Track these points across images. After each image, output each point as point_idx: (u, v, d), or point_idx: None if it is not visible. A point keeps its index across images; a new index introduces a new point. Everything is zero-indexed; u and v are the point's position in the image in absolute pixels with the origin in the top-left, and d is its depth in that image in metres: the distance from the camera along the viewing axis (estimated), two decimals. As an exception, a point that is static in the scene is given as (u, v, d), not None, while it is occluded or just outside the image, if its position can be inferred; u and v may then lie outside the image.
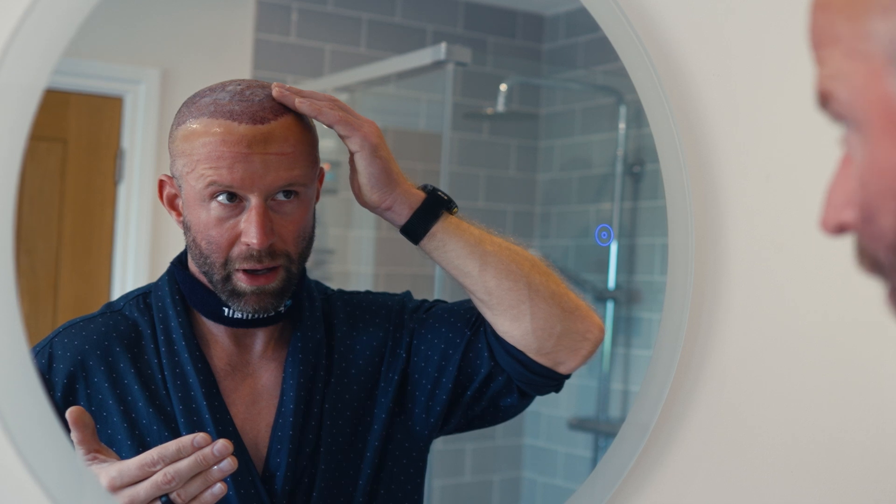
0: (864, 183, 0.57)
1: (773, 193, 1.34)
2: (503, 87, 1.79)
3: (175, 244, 1.46)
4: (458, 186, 1.73)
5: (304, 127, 1.07)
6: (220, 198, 1.03)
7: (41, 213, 1.32)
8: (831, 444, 1.38)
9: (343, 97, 1.74)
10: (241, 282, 1.06)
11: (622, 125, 1.89)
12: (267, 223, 1.04)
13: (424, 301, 1.24)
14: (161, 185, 1.10)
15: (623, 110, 1.88)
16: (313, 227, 1.12)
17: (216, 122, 1.03)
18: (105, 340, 1.09)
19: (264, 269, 1.06)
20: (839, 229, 0.61)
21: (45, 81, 0.91)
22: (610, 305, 1.88)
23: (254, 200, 1.03)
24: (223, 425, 1.08)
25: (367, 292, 1.26)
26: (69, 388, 1.06)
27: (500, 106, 1.78)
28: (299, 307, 1.16)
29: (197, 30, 1.48)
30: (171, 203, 1.10)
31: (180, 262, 1.14)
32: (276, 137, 1.03)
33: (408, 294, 1.25)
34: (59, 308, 1.35)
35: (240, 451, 1.08)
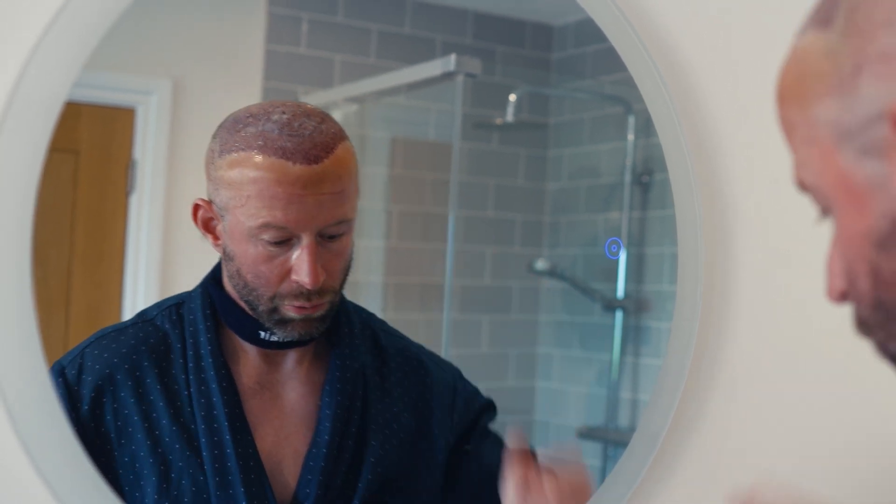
0: (843, 252, 0.61)
1: (782, 201, 1.34)
2: (512, 97, 1.79)
3: (186, 255, 1.46)
4: (467, 196, 1.74)
5: (351, 160, 1.06)
6: (272, 235, 1.03)
7: (53, 224, 1.33)
8: (842, 453, 1.38)
9: (353, 108, 1.75)
10: (290, 312, 1.06)
11: (631, 135, 1.89)
12: (318, 262, 1.04)
13: (478, 399, 1.23)
14: (196, 208, 1.09)
15: (632, 120, 1.88)
16: (352, 253, 1.12)
17: (268, 162, 1.01)
18: (134, 354, 1.09)
19: (312, 305, 1.06)
20: (842, 297, 0.65)
21: (64, 95, 0.91)
22: (619, 314, 1.88)
23: (305, 239, 1.03)
24: (243, 447, 1.07)
25: (420, 348, 1.24)
26: (96, 401, 1.06)
27: (510, 116, 1.79)
28: (336, 330, 1.15)
29: (208, 41, 1.49)
30: (207, 226, 1.09)
31: (215, 279, 1.14)
32: (328, 177, 1.02)
33: (460, 381, 1.24)
34: (70, 318, 1.35)
35: (258, 473, 1.07)
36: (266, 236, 1.03)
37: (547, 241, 1.88)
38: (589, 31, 1.83)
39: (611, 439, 1.85)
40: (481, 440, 1.22)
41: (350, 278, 1.75)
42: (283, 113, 1.04)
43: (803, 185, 0.63)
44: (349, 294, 1.64)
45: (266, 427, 1.11)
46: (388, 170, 1.74)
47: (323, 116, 1.06)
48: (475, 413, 1.22)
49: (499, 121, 1.80)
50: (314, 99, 1.66)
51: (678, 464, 1.31)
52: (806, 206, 1.38)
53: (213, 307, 1.12)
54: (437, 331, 1.67)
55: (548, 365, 1.86)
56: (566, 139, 1.92)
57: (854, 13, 0.57)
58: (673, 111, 1.27)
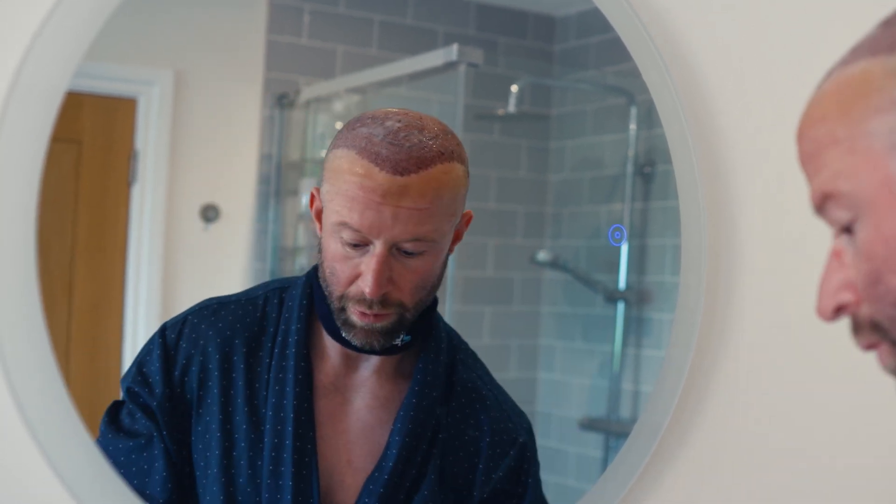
0: (871, 255, 0.66)
1: (787, 192, 1.34)
2: (514, 88, 1.79)
3: (187, 245, 1.46)
4: (469, 187, 1.74)
5: (449, 181, 1.05)
6: (348, 236, 1.03)
7: (56, 214, 1.33)
8: (846, 445, 1.38)
9: (355, 98, 1.74)
10: (354, 316, 1.07)
11: (633, 126, 1.89)
12: (384, 273, 1.03)
13: (533, 469, 1.22)
14: (312, 197, 1.11)
15: (634, 111, 1.88)
16: (440, 276, 1.11)
17: (361, 163, 1.02)
18: (229, 330, 1.12)
19: (374, 313, 1.06)
20: (837, 312, 0.71)
21: (65, 85, 0.91)
22: (621, 306, 1.88)
23: (378, 248, 1.03)
24: (302, 442, 1.09)
25: (493, 388, 1.23)
26: (186, 369, 1.10)
27: (512, 107, 1.78)
28: (424, 353, 1.15)
29: (210, 31, 1.49)
30: (317, 215, 1.10)
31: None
32: (411, 192, 1.01)
33: (524, 435, 1.22)
34: (73, 308, 1.36)
35: (308, 471, 1.09)
36: (343, 235, 1.03)
37: (549, 232, 1.88)
38: (591, 22, 1.83)
39: (612, 430, 1.85)
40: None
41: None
42: (399, 121, 1.04)
43: (830, 198, 0.68)
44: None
45: (328, 430, 1.12)
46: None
47: (438, 133, 1.05)
48: (519, 476, 1.20)
49: (501, 112, 1.80)
50: (315, 90, 1.65)
51: (679, 455, 1.31)
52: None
53: (312, 298, 1.13)
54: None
55: (550, 356, 1.86)
56: (568, 130, 1.92)
57: None
58: (678, 101, 1.26)
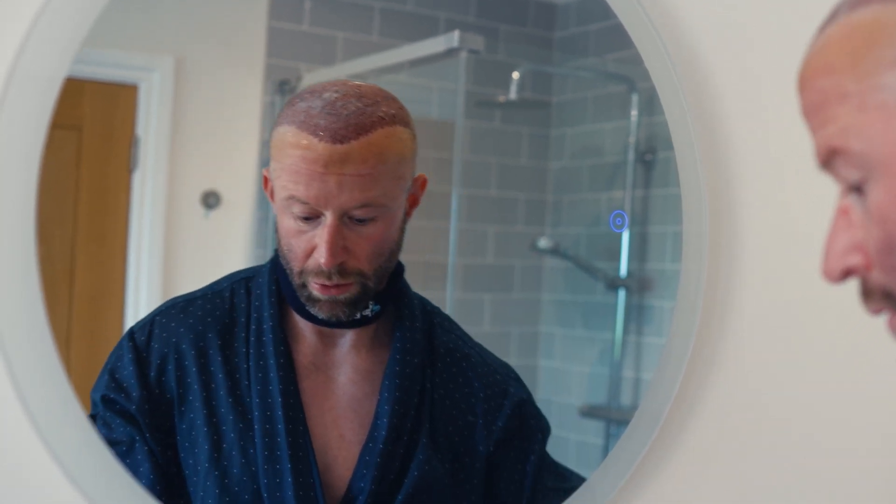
0: (884, 219, 0.62)
1: (788, 179, 1.34)
2: (515, 75, 1.78)
3: (189, 233, 1.46)
4: (470, 174, 1.73)
5: (391, 145, 1.06)
6: (298, 209, 1.04)
7: (56, 202, 1.32)
8: (848, 433, 1.38)
9: (356, 85, 1.74)
10: (315, 289, 1.08)
11: (634, 113, 1.88)
12: (337, 242, 1.04)
13: (534, 414, 1.23)
14: (265, 179, 1.11)
15: (635, 98, 1.87)
16: (397, 241, 1.12)
17: (301, 136, 1.03)
18: (200, 325, 1.12)
19: (333, 284, 1.07)
20: (844, 274, 0.66)
21: (65, 71, 0.91)
22: (622, 293, 1.88)
23: (328, 217, 1.04)
24: (294, 424, 1.09)
25: (474, 346, 1.24)
26: (162, 369, 1.10)
27: (513, 94, 1.78)
28: (399, 321, 1.16)
29: (211, 17, 1.48)
30: (272, 195, 1.11)
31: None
32: (353, 158, 1.02)
33: (514, 385, 1.23)
34: (74, 296, 1.35)
35: (305, 451, 1.09)
36: (294, 209, 1.05)
37: (550, 219, 1.88)
38: (592, 9, 1.82)
39: (613, 418, 1.85)
40: (524, 460, 1.21)
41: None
42: (336, 92, 1.05)
43: (838, 153, 0.64)
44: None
45: (316, 408, 1.12)
46: (390, 148, 1.73)
47: (377, 99, 1.06)
48: (524, 431, 1.21)
49: (502, 99, 1.79)
50: (316, 76, 1.65)
51: (680, 443, 1.31)
52: (812, 183, 1.38)
53: (279, 283, 1.14)
54: (440, 307, 1.66)
55: (550, 344, 1.86)
56: (569, 117, 1.91)
57: None
58: (679, 88, 1.26)
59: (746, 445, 1.36)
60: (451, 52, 1.64)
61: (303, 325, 1.14)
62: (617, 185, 1.90)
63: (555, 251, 1.86)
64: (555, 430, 1.85)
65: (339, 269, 1.06)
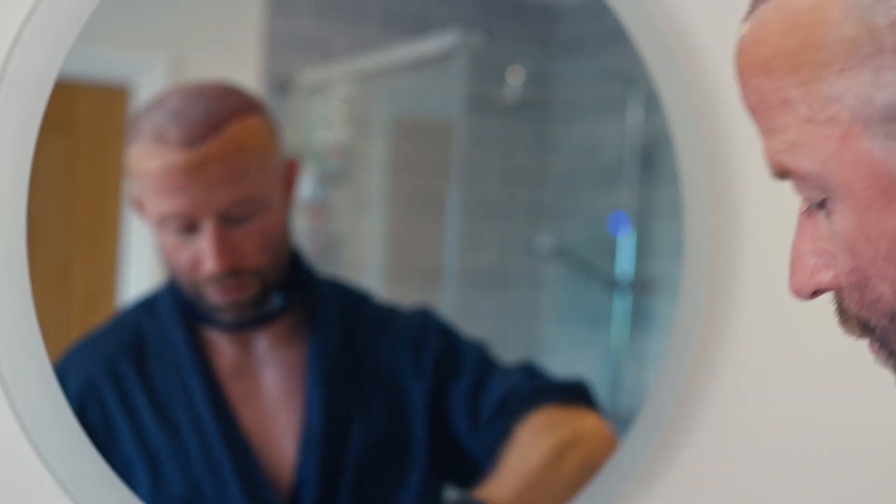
0: (853, 250, 0.53)
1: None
2: (515, 74, 1.77)
3: (184, 233, 1.45)
4: (469, 174, 1.72)
5: (249, 135, 1.04)
6: (174, 224, 1.02)
7: (50, 204, 1.31)
8: (851, 436, 1.37)
9: (353, 85, 1.73)
10: (214, 297, 1.05)
11: (634, 112, 1.87)
12: (222, 246, 1.02)
13: (447, 336, 1.20)
14: (134, 202, 1.09)
15: (636, 97, 1.86)
16: (284, 230, 1.09)
17: (155, 150, 1.01)
18: (111, 358, 1.09)
19: (231, 287, 1.05)
20: (815, 294, 0.58)
21: (56, 69, 0.90)
22: (622, 294, 1.87)
23: (206, 224, 1.01)
24: (228, 430, 1.07)
25: (382, 308, 1.22)
26: (81, 411, 1.05)
27: (512, 93, 1.77)
28: (312, 309, 1.13)
29: (207, 16, 1.47)
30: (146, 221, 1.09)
31: None
32: (213, 156, 1.01)
33: (428, 319, 1.21)
34: (71, 297, 1.34)
35: (245, 455, 1.07)
36: (170, 226, 1.02)
37: (549, 219, 1.87)
38: (593, 9, 1.81)
39: (613, 420, 1.84)
40: (476, 371, 1.18)
41: (351, 257, 1.74)
42: (178, 99, 1.04)
43: (789, 173, 0.55)
44: (350, 273, 1.62)
45: (250, 410, 1.10)
46: (388, 148, 1.73)
47: (223, 94, 1.04)
48: (447, 346, 1.19)
49: (502, 98, 1.78)
50: (314, 76, 1.64)
51: (683, 446, 1.30)
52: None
53: (180, 298, 1.12)
54: (438, 309, 1.65)
55: (550, 345, 1.85)
56: (570, 117, 1.90)
57: None
58: (681, 87, 1.25)
59: (750, 449, 1.35)
60: (450, 52, 1.63)
61: (216, 335, 1.11)
62: (617, 185, 1.89)
63: (555, 252, 1.85)
64: (555, 433, 1.85)
65: (232, 271, 1.03)
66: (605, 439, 1.22)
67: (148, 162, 1.01)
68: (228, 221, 1.02)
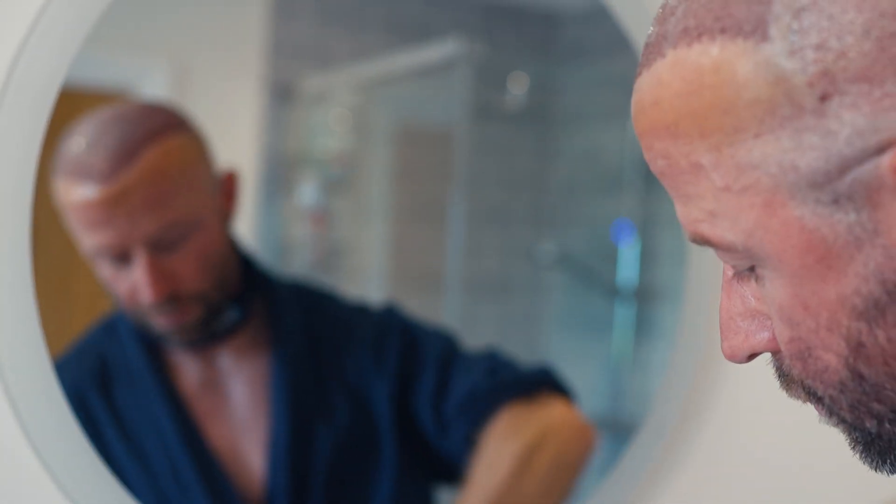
0: (791, 321, 0.49)
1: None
2: (517, 82, 1.78)
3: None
4: (471, 181, 1.73)
5: (169, 157, 0.99)
6: (105, 257, 0.98)
7: (52, 211, 1.31)
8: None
9: (356, 92, 1.73)
10: (161, 326, 1.01)
11: (636, 120, 1.88)
12: (156, 275, 0.97)
13: (409, 330, 1.16)
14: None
15: (637, 105, 1.87)
16: (224, 247, 1.05)
17: (70, 188, 0.96)
18: (79, 388, 1.04)
19: (173, 313, 1.00)
20: (752, 357, 0.54)
21: (61, 78, 0.90)
22: (624, 302, 1.87)
23: (137, 255, 0.97)
24: (194, 448, 1.04)
25: (346, 307, 1.19)
26: None
27: (514, 101, 1.78)
28: (273, 319, 1.11)
29: (211, 22, 1.47)
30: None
31: None
32: (131, 189, 0.96)
33: (391, 318, 1.17)
34: (74, 305, 1.34)
35: (215, 472, 1.05)
36: (103, 259, 0.98)
37: (552, 227, 1.87)
38: (595, 16, 1.81)
39: (616, 428, 1.84)
40: (439, 369, 1.14)
41: (353, 264, 1.74)
42: (94, 129, 0.98)
43: (710, 243, 0.50)
44: (352, 280, 1.63)
45: (218, 426, 1.07)
46: (391, 155, 1.73)
47: (138, 117, 0.99)
48: (409, 344, 1.15)
49: (504, 106, 1.79)
50: (316, 83, 1.64)
51: (687, 454, 1.30)
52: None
53: None
54: (440, 317, 1.66)
55: (552, 353, 1.85)
56: (571, 125, 1.91)
57: (806, 24, 0.44)
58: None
59: (754, 457, 1.35)
60: (452, 60, 1.63)
61: (178, 354, 1.07)
62: (620, 193, 1.89)
63: (557, 259, 1.85)
64: (557, 441, 1.85)
65: (170, 297, 0.99)
66: (574, 428, 1.18)
67: (68, 197, 0.96)
68: (160, 248, 0.98)
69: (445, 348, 1.16)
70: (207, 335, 1.04)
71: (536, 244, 1.84)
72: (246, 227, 1.54)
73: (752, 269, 0.50)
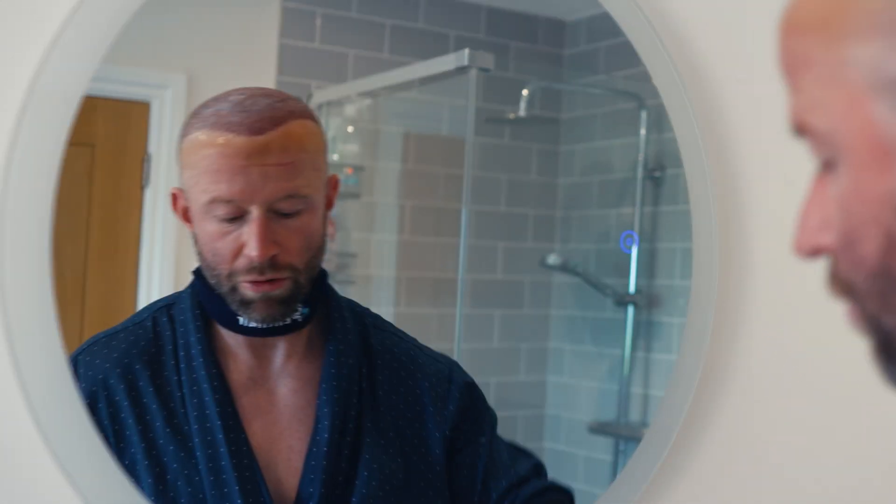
0: (848, 210, 0.57)
1: (798, 195, 1.34)
2: (525, 92, 1.79)
3: (200, 248, 1.46)
4: (479, 191, 1.74)
5: (307, 135, 1.07)
6: (222, 210, 1.03)
7: (69, 217, 1.33)
8: (859, 450, 1.38)
9: (366, 102, 1.75)
10: (247, 290, 1.06)
11: (643, 130, 1.89)
12: (267, 235, 1.04)
13: (475, 401, 1.22)
14: (174, 198, 1.11)
15: (644, 115, 1.88)
16: (323, 236, 1.11)
17: (216, 135, 1.03)
18: (126, 358, 1.09)
19: (266, 279, 1.05)
20: (814, 252, 0.61)
21: (83, 89, 0.92)
22: (630, 309, 1.88)
23: (254, 212, 1.03)
24: (236, 444, 1.07)
25: (411, 342, 1.23)
26: (92, 408, 1.06)
27: (522, 111, 1.78)
28: (329, 325, 1.14)
29: (222, 35, 1.49)
30: (185, 215, 1.10)
31: (200, 271, 1.14)
32: (274, 148, 1.03)
33: (457, 370, 1.22)
34: (86, 311, 1.36)
35: (251, 470, 1.07)
36: (217, 212, 1.04)
37: (559, 235, 1.88)
38: (602, 26, 1.82)
39: (622, 434, 1.85)
40: (476, 445, 1.20)
41: (363, 272, 1.76)
42: (241, 94, 1.06)
43: (807, 130, 0.58)
44: (361, 288, 1.64)
45: (259, 423, 1.10)
46: (400, 164, 1.74)
47: (285, 97, 1.07)
48: (471, 403, 1.20)
49: (511, 115, 1.80)
50: (327, 93, 1.65)
51: (691, 460, 1.31)
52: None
53: (201, 304, 1.13)
54: (449, 325, 1.67)
55: (559, 359, 1.86)
56: (578, 134, 1.92)
57: None
58: (688, 105, 1.26)
59: (758, 463, 1.36)
60: (461, 70, 1.64)
61: (234, 343, 1.12)
62: (626, 202, 1.90)
63: (564, 267, 1.86)
64: (563, 447, 1.85)
65: (271, 262, 1.05)
66: None
67: (206, 147, 1.03)
68: (275, 214, 1.04)
69: (495, 425, 1.23)
70: (282, 316, 1.08)
71: (544, 251, 1.85)
72: (258, 236, 1.56)
73: (831, 167, 0.58)
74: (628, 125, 1.92)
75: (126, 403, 1.07)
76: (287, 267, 1.06)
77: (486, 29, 1.77)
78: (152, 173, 1.39)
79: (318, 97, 1.63)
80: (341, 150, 1.72)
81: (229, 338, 1.12)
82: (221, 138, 1.02)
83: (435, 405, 1.18)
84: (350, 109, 1.74)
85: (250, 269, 1.05)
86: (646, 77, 1.29)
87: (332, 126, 1.72)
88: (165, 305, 1.15)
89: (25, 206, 0.93)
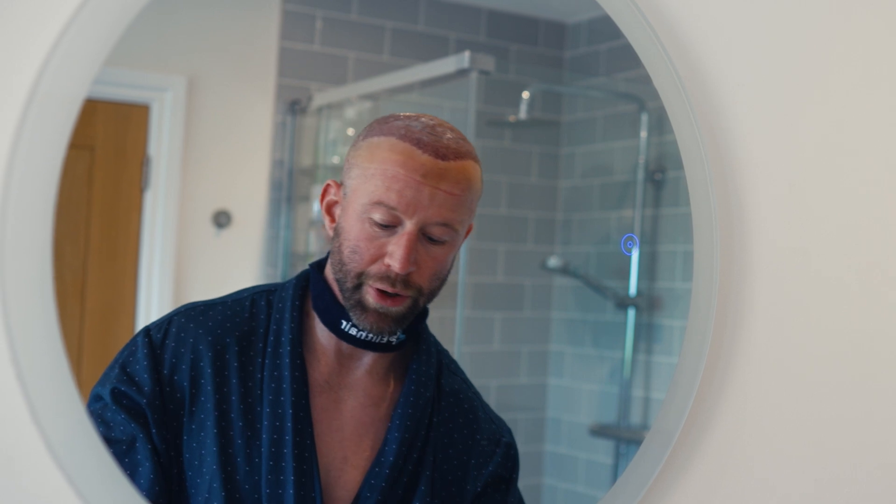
0: None
1: (799, 199, 1.34)
2: (525, 94, 1.79)
3: (199, 251, 1.47)
4: (481, 193, 1.74)
5: (476, 179, 1.12)
6: (380, 215, 1.07)
7: (69, 220, 1.33)
8: (859, 454, 1.38)
9: (367, 105, 1.75)
10: (370, 296, 1.09)
11: (644, 132, 1.89)
12: (413, 251, 1.07)
13: (513, 478, 1.25)
14: (326, 189, 1.15)
15: (644, 118, 1.88)
16: (449, 271, 1.15)
17: (402, 145, 1.08)
18: (219, 329, 1.13)
19: (394, 293, 1.09)
20: None
21: (84, 92, 0.92)
22: (631, 312, 1.88)
23: (408, 226, 1.07)
24: (301, 438, 1.10)
25: (475, 394, 1.26)
26: (176, 367, 1.10)
27: (523, 113, 1.79)
28: (416, 354, 1.18)
29: (222, 38, 1.49)
30: (329, 209, 1.14)
31: (319, 265, 1.17)
32: (450, 176, 1.08)
33: (506, 435, 1.25)
34: (86, 312, 1.36)
35: (309, 467, 1.10)
36: (375, 215, 1.07)
37: (559, 238, 1.88)
38: (602, 29, 1.83)
39: (622, 437, 1.85)
40: (505, 498, 1.23)
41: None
42: (431, 120, 1.11)
43: None
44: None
45: (323, 426, 1.13)
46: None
47: (464, 137, 1.13)
48: (509, 472, 1.23)
49: (512, 118, 1.80)
50: (327, 96, 1.66)
51: (692, 463, 1.31)
52: (824, 201, 1.38)
53: (304, 299, 1.16)
54: (450, 328, 1.67)
55: (560, 362, 1.86)
56: (579, 137, 1.92)
57: None
58: (689, 107, 1.26)
59: (759, 465, 1.36)
60: (461, 72, 1.65)
61: (323, 342, 1.15)
62: (627, 204, 1.91)
63: (564, 270, 1.86)
64: (564, 449, 1.85)
65: (405, 278, 1.08)
66: None
67: (390, 152, 1.07)
68: (423, 236, 1.09)
69: (517, 488, 1.26)
70: (390, 333, 1.12)
71: (544, 254, 1.85)
72: (257, 239, 1.56)
73: None
74: (629, 128, 1.92)
75: (210, 371, 1.10)
76: (415, 287, 1.10)
77: (486, 31, 1.78)
78: (152, 176, 1.40)
79: (318, 100, 1.63)
80: (341, 153, 1.72)
81: (322, 337, 1.15)
82: (407, 150, 1.07)
83: (478, 461, 1.21)
84: (350, 112, 1.74)
85: (383, 277, 1.09)
86: (646, 79, 1.29)
87: (332, 129, 1.72)
88: (266, 290, 1.18)
89: (27, 208, 0.93)
